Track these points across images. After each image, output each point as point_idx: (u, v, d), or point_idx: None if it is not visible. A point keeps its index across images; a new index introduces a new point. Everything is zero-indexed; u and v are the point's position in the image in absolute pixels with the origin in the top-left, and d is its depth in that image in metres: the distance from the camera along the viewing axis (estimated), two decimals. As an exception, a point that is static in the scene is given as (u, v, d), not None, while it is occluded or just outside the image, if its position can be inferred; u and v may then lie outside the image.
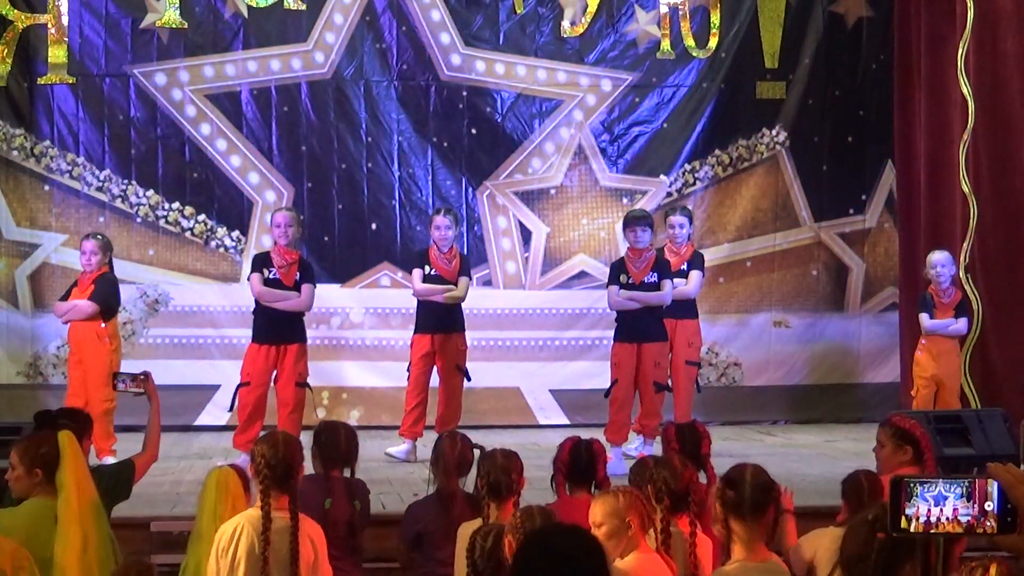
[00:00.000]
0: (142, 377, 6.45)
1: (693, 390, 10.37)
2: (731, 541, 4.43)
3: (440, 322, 9.99)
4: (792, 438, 11.46)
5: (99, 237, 9.98)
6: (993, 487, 2.30)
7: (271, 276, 9.62)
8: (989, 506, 2.29)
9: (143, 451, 6.29)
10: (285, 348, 9.56)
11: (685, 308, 10.28)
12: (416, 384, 10.01)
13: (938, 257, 10.31)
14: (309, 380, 9.71)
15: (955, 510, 2.31)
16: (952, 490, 2.31)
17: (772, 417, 12.46)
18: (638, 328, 9.82)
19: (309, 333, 9.95)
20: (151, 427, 6.39)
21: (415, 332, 10.13)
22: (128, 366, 8.72)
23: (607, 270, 10.52)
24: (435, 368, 10.04)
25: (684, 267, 10.33)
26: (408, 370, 10.06)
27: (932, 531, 2.31)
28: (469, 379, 10.09)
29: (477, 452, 6.09)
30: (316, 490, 6.07)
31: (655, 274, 9.84)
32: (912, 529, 2.32)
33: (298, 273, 9.67)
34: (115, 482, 6.00)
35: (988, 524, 2.29)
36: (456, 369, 9.99)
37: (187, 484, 8.36)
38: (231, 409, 9.90)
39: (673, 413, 10.05)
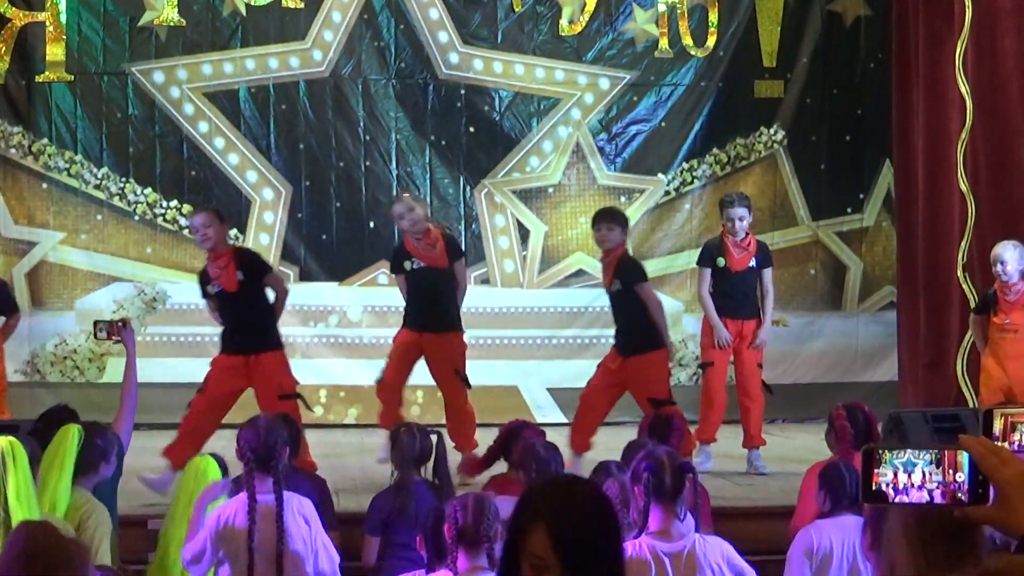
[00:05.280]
0: (120, 324, 6.28)
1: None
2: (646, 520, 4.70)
3: (426, 319, 9.20)
4: (790, 437, 11.45)
5: None
6: (963, 458, 2.29)
7: (215, 291, 8.61)
8: (960, 477, 2.29)
9: (119, 410, 6.07)
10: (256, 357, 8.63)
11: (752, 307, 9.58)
12: (393, 371, 9.11)
13: (1001, 251, 9.23)
14: (308, 379, 9.62)
15: (924, 477, 2.31)
16: (921, 457, 2.31)
17: (770, 416, 12.38)
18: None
19: (307, 331, 9.95)
20: (126, 379, 6.16)
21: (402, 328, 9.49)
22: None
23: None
24: (431, 372, 9.35)
25: (752, 264, 9.48)
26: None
27: (900, 498, 2.31)
28: (469, 386, 9.31)
29: (434, 438, 6.27)
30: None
31: (618, 281, 9.00)
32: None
33: (239, 272, 8.52)
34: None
35: (958, 494, 2.29)
36: (454, 374, 9.19)
37: (184, 482, 8.34)
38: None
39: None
